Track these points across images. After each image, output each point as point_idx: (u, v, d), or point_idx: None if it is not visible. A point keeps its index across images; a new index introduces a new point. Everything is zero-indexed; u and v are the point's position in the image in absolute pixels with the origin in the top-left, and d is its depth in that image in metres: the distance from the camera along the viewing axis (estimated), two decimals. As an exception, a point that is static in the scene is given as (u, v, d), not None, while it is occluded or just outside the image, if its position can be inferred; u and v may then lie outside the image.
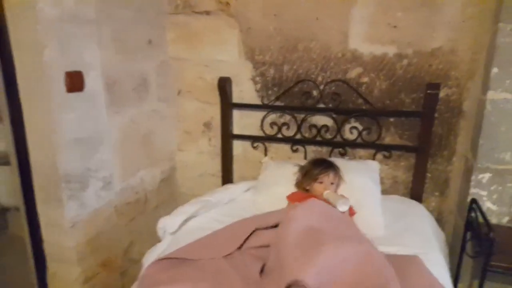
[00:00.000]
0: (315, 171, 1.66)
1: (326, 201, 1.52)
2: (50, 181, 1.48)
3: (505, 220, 1.71)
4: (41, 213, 1.53)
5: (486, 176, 1.68)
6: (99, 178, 1.67)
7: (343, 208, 1.47)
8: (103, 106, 1.67)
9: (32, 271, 1.60)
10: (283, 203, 1.71)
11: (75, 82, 1.52)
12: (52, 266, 1.59)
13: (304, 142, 2.05)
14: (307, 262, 1.10)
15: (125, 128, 1.84)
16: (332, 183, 1.64)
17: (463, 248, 1.73)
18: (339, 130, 1.98)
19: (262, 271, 1.27)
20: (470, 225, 1.67)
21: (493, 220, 1.66)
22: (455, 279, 1.74)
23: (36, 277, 1.60)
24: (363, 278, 1.10)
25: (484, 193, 1.70)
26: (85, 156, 1.59)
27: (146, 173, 2.04)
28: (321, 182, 1.63)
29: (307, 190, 1.68)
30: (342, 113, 1.97)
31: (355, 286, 1.08)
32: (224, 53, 2.09)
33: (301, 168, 1.75)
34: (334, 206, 1.48)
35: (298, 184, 1.73)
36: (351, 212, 1.59)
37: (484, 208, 1.64)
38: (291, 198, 1.69)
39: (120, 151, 1.82)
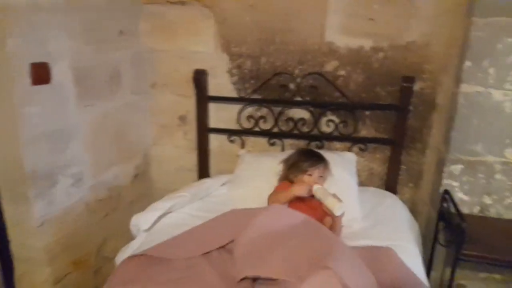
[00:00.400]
0: (304, 163, 1.58)
1: (315, 196, 1.47)
2: (16, 178, 1.41)
3: (476, 210, 1.76)
4: (6, 212, 1.45)
5: (458, 167, 1.72)
6: (68, 174, 1.60)
7: (339, 213, 1.40)
8: (72, 99, 1.60)
9: (-2, 273, 1.53)
10: (260, 196, 1.69)
11: (41, 74, 1.45)
12: (19, 268, 1.51)
13: (281, 135, 2.04)
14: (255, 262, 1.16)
15: (96, 122, 1.77)
16: (321, 176, 1.59)
17: (435, 238, 1.77)
18: (316, 123, 1.98)
19: None
20: (443, 215, 1.71)
21: (465, 210, 1.71)
22: (428, 267, 1.78)
23: (2, 279, 1.52)
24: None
25: (456, 184, 1.74)
26: (53, 152, 1.52)
27: (120, 168, 1.98)
28: (310, 175, 1.57)
29: (292, 182, 1.60)
30: (319, 106, 1.97)
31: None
32: (200, 45, 2.05)
33: (287, 160, 1.68)
34: (325, 205, 1.42)
35: (283, 176, 1.67)
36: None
37: (456, 199, 1.68)
38: (278, 187, 1.63)
39: (92, 146, 1.75)
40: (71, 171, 1.61)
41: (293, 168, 1.62)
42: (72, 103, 1.60)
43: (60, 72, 1.52)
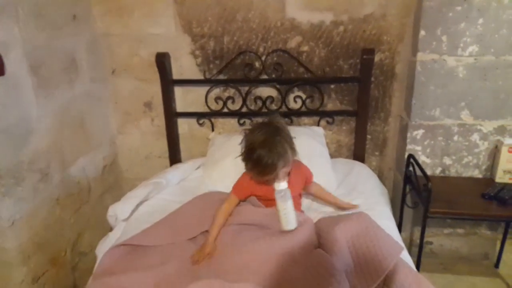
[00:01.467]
0: (259, 177, 1.36)
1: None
2: (-22, 178, 1.33)
3: (438, 171, 1.88)
4: (-29, 215, 1.37)
5: (420, 132, 1.83)
6: (35, 170, 1.52)
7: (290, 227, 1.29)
8: (29, 90, 1.51)
9: (-33, 279, 1.45)
10: (233, 175, 1.68)
11: (-7, 65, 1.35)
12: (-8, 271, 1.44)
13: (250, 114, 2.05)
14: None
15: (57, 113, 1.69)
16: (285, 172, 1.36)
17: (403, 200, 1.89)
18: (283, 100, 2.01)
19: None
20: (409, 178, 1.81)
21: (428, 172, 1.82)
22: (398, 229, 1.89)
23: (-26, 285, 1.45)
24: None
25: (418, 148, 1.85)
26: (15, 147, 1.44)
27: (87, 160, 1.91)
28: (267, 180, 1.36)
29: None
30: (285, 83, 1.99)
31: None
32: (159, 27, 1.98)
33: (246, 147, 1.37)
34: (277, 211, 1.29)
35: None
36: (308, 181, 1.53)
37: (420, 162, 1.79)
38: (239, 191, 1.46)
39: (55, 139, 1.67)
40: (36, 166, 1.53)
41: (249, 167, 1.38)
42: (30, 94, 1.51)
43: (13, 62, 1.42)
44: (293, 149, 1.36)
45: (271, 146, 1.29)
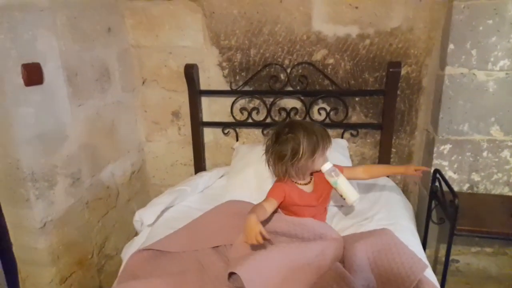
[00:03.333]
0: (321, 145, 1.35)
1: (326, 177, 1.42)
2: (15, 180, 1.40)
3: (465, 187, 1.83)
4: (7, 215, 1.45)
5: (447, 147, 1.79)
6: (67, 174, 1.60)
7: (351, 202, 1.43)
8: (65, 99, 1.59)
9: (0, 276, 1.52)
10: (258, 184, 1.72)
11: (33, 74, 1.43)
12: (24, 270, 1.51)
13: (274, 125, 2.03)
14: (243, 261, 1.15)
15: (90, 121, 1.77)
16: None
17: (428, 216, 1.84)
18: (307, 111, 2.02)
19: None
20: (434, 194, 1.78)
21: (455, 187, 1.78)
22: (423, 245, 1.85)
23: (7, 282, 1.52)
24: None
25: (445, 163, 1.81)
26: (50, 153, 1.52)
27: (116, 166, 1.98)
28: (322, 155, 1.38)
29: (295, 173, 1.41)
30: (310, 95, 2.01)
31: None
32: (188, 39, 2.05)
33: (293, 149, 1.34)
34: (338, 190, 1.41)
35: (283, 171, 1.39)
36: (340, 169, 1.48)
37: (446, 177, 1.75)
38: (276, 194, 1.39)
39: (87, 145, 1.74)
40: (69, 171, 1.61)
41: (305, 157, 1.35)
42: (65, 103, 1.59)
43: (51, 71, 1.51)
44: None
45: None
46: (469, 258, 1.94)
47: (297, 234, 1.32)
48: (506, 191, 1.81)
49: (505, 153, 1.75)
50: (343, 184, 1.41)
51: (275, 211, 1.39)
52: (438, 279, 1.30)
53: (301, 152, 1.33)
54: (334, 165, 1.44)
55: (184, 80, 2.05)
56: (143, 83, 2.17)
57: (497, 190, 1.81)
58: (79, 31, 1.68)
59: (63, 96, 1.58)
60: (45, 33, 1.48)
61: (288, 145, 1.34)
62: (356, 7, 1.86)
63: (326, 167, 1.41)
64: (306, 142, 1.33)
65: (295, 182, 1.44)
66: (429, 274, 1.22)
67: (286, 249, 1.23)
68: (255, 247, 1.22)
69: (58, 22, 1.55)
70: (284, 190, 1.39)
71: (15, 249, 1.50)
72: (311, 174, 1.47)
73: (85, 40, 1.73)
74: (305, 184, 1.45)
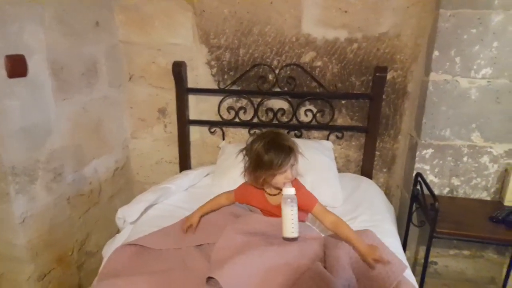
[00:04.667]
0: (276, 161, 1.29)
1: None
2: (-5, 174, 1.37)
3: (445, 191, 1.88)
4: (-15, 210, 1.41)
5: (429, 151, 1.83)
6: (49, 169, 1.57)
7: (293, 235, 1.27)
8: (50, 92, 1.57)
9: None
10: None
11: (16, 66, 1.41)
12: (1, 266, 1.48)
13: (261, 125, 2.08)
14: (222, 265, 1.16)
15: (75, 116, 1.74)
16: (293, 165, 1.34)
17: (409, 219, 1.88)
18: (294, 113, 2.04)
19: None
20: (416, 197, 1.81)
21: (436, 191, 1.82)
22: (403, 247, 1.88)
23: (-17, 278, 1.48)
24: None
25: (427, 167, 1.85)
26: (32, 147, 1.49)
27: (100, 162, 1.95)
28: (282, 172, 1.31)
29: (263, 182, 1.38)
30: (297, 97, 2.02)
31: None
32: (178, 37, 2.04)
33: (252, 155, 1.35)
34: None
35: (252, 177, 1.39)
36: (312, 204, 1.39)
37: (427, 181, 1.78)
38: (239, 194, 1.47)
39: (71, 140, 1.72)
40: (51, 166, 1.58)
41: (262, 168, 1.32)
42: (49, 97, 1.57)
43: (36, 64, 1.48)
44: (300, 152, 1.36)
45: (283, 135, 1.36)
46: (448, 260, 1.99)
47: (276, 235, 1.33)
48: (484, 195, 1.86)
49: (485, 158, 1.80)
50: (287, 216, 1.27)
51: (256, 212, 1.41)
52: (417, 280, 1.33)
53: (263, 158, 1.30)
54: (313, 200, 1.37)
55: (172, 77, 2.03)
56: (130, 78, 2.15)
57: (476, 195, 1.86)
58: (67, 24, 1.65)
59: (48, 90, 1.56)
60: (32, 25, 1.45)
61: (267, 143, 1.31)
62: (346, 11, 1.89)
63: (287, 191, 1.29)
64: (273, 154, 1.29)
65: (264, 190, 1.41)
66: (409, 275, 1.25)
67: (264, 251, 1.23)
68: (235, 250, 1.23)
69: (46, 15, 1.53)
70: (249, 192, 1.42)
71: (-8, 245, 1.46)
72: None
73: (73, 34, 1.70)
74: (273, 195, 1.40)
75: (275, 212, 1.38)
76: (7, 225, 1.43)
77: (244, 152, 1.41)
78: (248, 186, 1.43)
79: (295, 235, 1.27)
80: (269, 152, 1.30)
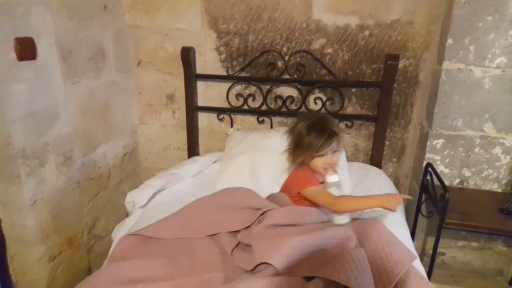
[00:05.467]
0: (316, 143, 1.32)
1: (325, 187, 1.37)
2: (5, 156, 1.38)
3: (456, 182, 1.86)
4: (-4, 192, 1.43)
5: (440, 142, 1.81)
6: (59, 153, 1.58)
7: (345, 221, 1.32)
8: (58, 76, 1.56)
9: (-12, 253, 1.51)
10: (249, 172, 1.73)
11: (26, 49, 1.40)
12: (12, 247, 1.50)
13: (269, 113, 2.06)
14: (274, 249, 1.15)
15: (83, 100, 1.74)
16: (335, 152, 1.38)
17: (418, 209, 1.87)
18: (304, 101, 2.01)
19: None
20: (425, 187, 1.80)
21: (446, 182, 1.79)
22: (411, 237, 1.88)
23: (-5, 259, 1.51)
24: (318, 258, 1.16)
25: (438, 157, 1.83)
26: (41, 130, 1.49)
27: (108, 147, 1.96)
28: (322, 155, 1.35)
29: (302, 163, 1.43)
30: (307, 84, 2.00)
31: (312, 262, 1.14)
32: (186, 22, 2.02)
33: (295, 134, 1.40)
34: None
35: (292, 155, 1.44)
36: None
37: (437, 172, 1.76)
38: (314, 182, 1.40)
39: (79, 124, 1.72)
40: (60, 150, 1.59)
41: (301, 148, 1.37)
42: (58, 80, 1.56)
43: (45, 48, 1.47)
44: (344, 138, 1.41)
45: (331, 120, 1.39)
46: (455, 251, 1.98)
47: (304, 222, 1.33)
48: (495, 187, 1.83)
49: (497, 150, 1.77)
50: None
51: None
52: (424, 270, 1.32)
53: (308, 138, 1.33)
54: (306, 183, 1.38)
55: (180, 63, 2.02)
56: (138, 64, 2.14)
57: (487, 186, 1.84)
58: (74, 8, 1.64)
59: (57, 74, 1.55)
60: (39, 8, 1.44)
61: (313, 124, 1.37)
62: (357, -3, 1.85)
63: (331, 178, 1.32)
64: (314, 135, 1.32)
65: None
66: (417, 265, 1.24)
67: (306, 236, 1.22)
68: (274, 238, 1.22)
69: (53, -1, 1.52)
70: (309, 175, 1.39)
71: (4, 226, 1.48)
72: None
73: (81, 17, 1.69)
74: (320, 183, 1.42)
75: None
76: (18, 207, 1.44)
77: (289, 132, 1.43)
78: (301, 170, 1.42)
79: (345, 220, 1.30)
80: (311, 133, 1.33)
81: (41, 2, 1.44)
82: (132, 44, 2.10)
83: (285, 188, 1.50)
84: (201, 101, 2.12)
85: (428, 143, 1.82)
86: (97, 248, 1.88)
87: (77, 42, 1.67)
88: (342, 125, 2.05)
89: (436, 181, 1.67)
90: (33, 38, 1.42)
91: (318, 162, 1.34)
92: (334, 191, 1.31)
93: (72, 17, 1.63)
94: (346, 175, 1.74)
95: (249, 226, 1.36)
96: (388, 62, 1.85)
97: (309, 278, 1.08)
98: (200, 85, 2.10)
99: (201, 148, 2.21)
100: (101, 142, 1.90)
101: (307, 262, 1.13)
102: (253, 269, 1.17)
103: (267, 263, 1.13)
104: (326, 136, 1.31)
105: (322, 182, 1.41)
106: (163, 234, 1.33)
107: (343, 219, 1.33)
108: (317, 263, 1.11)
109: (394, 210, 1.30)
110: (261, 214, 1.38)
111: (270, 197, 1.52)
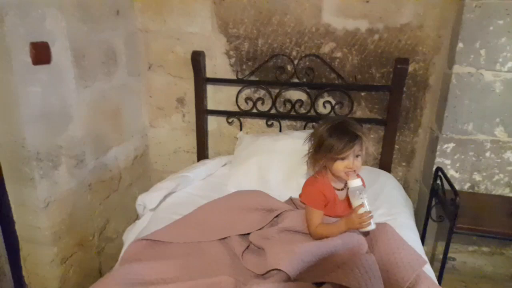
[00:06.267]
0: (337, 145, 1.26)
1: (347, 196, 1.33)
2: (19, 158, 1.41)
3: (466, 186, 1.85)
4: (11, 193, 1.45)
5: (450, 146, 1.80)
6: (71, 156, 1.60)
7: (369, 228, 1.26)
8: (71, 80, 1.59)
9: (2, 254, 1.53)
10: (258, 175, 1.74)
11: (41, 53, 1.43)
12: (25, 248, 1.53)
13: (279, 116, 2.07)
14: (286, 255, 1.16)
15: (95, 103, 1.77)
16: (357, 156, 1.31)
17: (428, 213, 1.86)
18: (313, 104, 2.02)
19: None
20: (435, 192, 1.79)
21: (456, 186, 1.77)
22: (421, 242, 1.87)
23: (8, 260, 1.53)
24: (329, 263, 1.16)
25: (448, 162, 1.82)
26: (55, 133, 1.52)
27: (119, 150, 1.98)
28: (343, 158, 1.29)
29: (323, 167, 1.37)
30: (316, 88, 2.00)
31: (322, 268, 1.14)
32: (196, 26, 2.04)
33: (316, 137, 1.35)
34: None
35: (313, 159, 1.39)
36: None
37: (448, 176, 1.75)
38: (317, 203, 1.34)
39: (91, 127, 1.75)
40: (73, 152, 1.61)
41: (322, 150, 1.31)
42: (71, 84, 1.59)
43: (59, 52, 1.50)
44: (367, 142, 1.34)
45: (353, 123, 1.33)
46: (466, 256, 1.96)
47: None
48: (506, 192, 1.82)
49: (508, 154, 1.76)
50: (364, 208, 1.25)
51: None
52: (435, 276, 1.32)
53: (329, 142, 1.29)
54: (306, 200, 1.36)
55: (190, 67, 2.04)
56: (149, 68, 2.16)
57: (498, 191, 1.82)
58: (87, 12, 1.67)
59: (70, 77, 1.58)
60: (54, 12, 1.47)
61: (334, 128, 1.32)
62: (367, 1, 1.85)
63: (353, 183, 1.27)
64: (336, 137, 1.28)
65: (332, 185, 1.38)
66: (428, 270, 1.24)
67: (326, 240, 1.23)
68: (286, 244, 1.23)
69: (67, 3, 1.54)
70: (321, 194, 1.35)
71: (17, 227, 1.51)
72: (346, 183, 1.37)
73: (94, 22, 1.72)
74: (340, 189, 1.38)
75: (341, 206, 1.36)
76: (32, 209, 1.47)
77: (310, 136, 1.40)
78: (319, 181, 1.37)
79: (372, 226, 1.25)
80: (333, 135, 1.28)
81: (56, 6, 1.47)
82: (144, 48, 2.13)
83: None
84: (210, 105, 2.14)
85: (438, 147, 1.81)
86: (107, 250, 1.90)
87: (90, 46, 1.70)
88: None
89: (446, 186, 1.67)
90: (47, 43, 1.45)
91: (339, 166, 1.29)
92: (357, 196, 1.26)
93: (86, 21, 1.66)
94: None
95: (261, 228, 1.36)
96: (398, 66, 1.85)
97: (319, 284, 1.09)
98: (210, 88, 2.12)
99: (210, 151, 2.23)
100: (112, 145, 1.92)
101: (318, 268, 1.14)
102: (264, 274, 1.18)
103: (278, 269, 1.14)
104: (348, 139, 1.26)
105: (343, 189, 1.38)
106: (174, 238, 1.34)
107: (356, 182, 1.27)
108: (328, 268, 1.11)
109: (363, 227, 1.24)
110: (276, 216, 1.39)
111: (289, 201, 1.52)
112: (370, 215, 1.24)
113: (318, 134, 1.34)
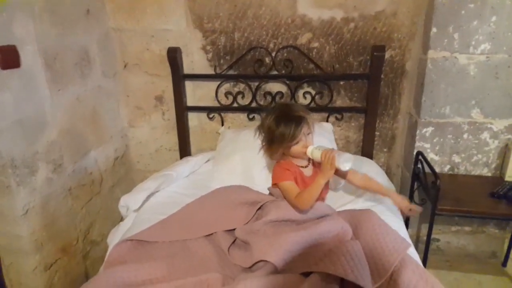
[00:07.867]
0: (287, 133, 1.33)
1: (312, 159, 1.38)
2: (-6, 167, 1.36)
3: (446, 168, 1.88)
4: (-13, 203, 1.41)
5: (429, 130, 1.83)
6: (48, 161, 1.56)
7: (346, 166, 1.28)
8: (44, 84, 1.54)
9: (-18, 265, 1.49)
10: (244, 170, 1.73)
11: (9, 57, 1.38)
12: (7, 258, 1.48)
13: (260, 109, 2.06)
14: (272, 247, 1.17)
15: (70, 106, 1.72)
16: (308, 134, 1.38)
17: (411, 197, 1.89)
18: (293, 96, 2.02)
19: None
20: (417, 175, 1.82)
21: (436, 169, 1.81)
22: (405, 225, 1.89)
23: (-11, 271, 1.49)
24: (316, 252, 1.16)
25: (427, 145, 1.85)
26: (30, 139, 1.47)
27: (99, 152, 1.94)
28: (297, 142, 1.36)
29: (282, 154, 1.43)
30: (295, 79, 2.00)
31: (309, 258, 1.15)
32: (171, 22, 2.00)
33: (265, 130, 1.41)
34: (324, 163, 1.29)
35: (269, 151, 1.44)
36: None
37: (428, 159, 1.78)
38: (284, 176, 1.38)
39: (68, 131, 1.70)
40: (50, 158, 1.57)
41: (276, 143, 1.38)
42: (44, 88, 1.54)
43: (28, 55, 1.45)
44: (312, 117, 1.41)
45: (293, 105, 1.41)
46: (449, 237, 2.01)
47: (304, 220, 1.33)
48: (485, 172, 1.86)
49: (485, 135, 1.80)
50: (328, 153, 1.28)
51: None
52: (420, 257, 1.34)
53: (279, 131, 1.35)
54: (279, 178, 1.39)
55: (167, 64, 2.01)
56: (125, 67, 2.12)
57: (477, 171, 1.87)
58: (57, 14, 1.62)
59: (42, 81, 1.53)
60: (21, 17, 1.42)
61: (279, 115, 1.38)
62: (341, -10, 1.85)
63: (309, 149, 1.34)
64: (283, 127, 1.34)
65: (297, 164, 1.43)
66: (412, 253, 1.26)
67: (301, 231, 1.23)
68: (272, 235, 1.23)
69: (35, 6, 1.49)
70: (287, 169, 1.39)
71: (-3, 237, 1.47)
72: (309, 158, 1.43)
73: (64, 24, 1.67)
74: (304, 167, 1.44)
75: (310, 182, 1.38)
76: (10, 217, 1.42)
77: (259, 129, 1.45)
78: (282, 163, 1.43)
79: (349, 164, 1.28)
80: (280, 125, 1.35)
81: (22, 10, 1.42)
82: (118, 47, 2.08)
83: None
84: (190, 101, 2.12)
85: (418, 131, 1.84)
86: (93, 253, 1.87)
87: (61, 48, 1.65)
88: (332, 119, 2.06)
89: (427, 169, 1.69)
90: (15, 46, 1.40)
91: (296, 149, 1.37)
92: (316, 152, 1.31)
93: (55, 23, 1.61)
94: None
95: (246, 223, 1.36)
96: (375, 53, 1.86)
97: (307, 274, 1.09)
98: (189, 85, 2.09)
99: (192, 148, 2.21)
100: (91, 147, 1.88)
101: (305, 258, 1.14)
102: (250, 267, 1.18)
103: (265, 261, 1.14)
104: (295, 124, 1.33)
105: (307, 165, 1.45)
106: (159, 237, 1.33)
107: (345, 167, 1.29)
108: (314, 257, 1.12)
109: (337, 165, 1.27)
110: (259, 209, 1.39)
111: (269, 193, 1.53)
112: (332, 149, 1.29)
113: (265, 127, 1.40)
